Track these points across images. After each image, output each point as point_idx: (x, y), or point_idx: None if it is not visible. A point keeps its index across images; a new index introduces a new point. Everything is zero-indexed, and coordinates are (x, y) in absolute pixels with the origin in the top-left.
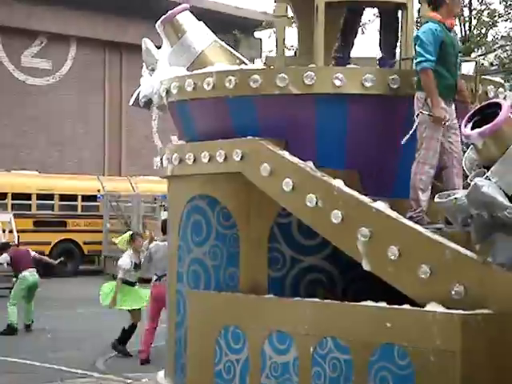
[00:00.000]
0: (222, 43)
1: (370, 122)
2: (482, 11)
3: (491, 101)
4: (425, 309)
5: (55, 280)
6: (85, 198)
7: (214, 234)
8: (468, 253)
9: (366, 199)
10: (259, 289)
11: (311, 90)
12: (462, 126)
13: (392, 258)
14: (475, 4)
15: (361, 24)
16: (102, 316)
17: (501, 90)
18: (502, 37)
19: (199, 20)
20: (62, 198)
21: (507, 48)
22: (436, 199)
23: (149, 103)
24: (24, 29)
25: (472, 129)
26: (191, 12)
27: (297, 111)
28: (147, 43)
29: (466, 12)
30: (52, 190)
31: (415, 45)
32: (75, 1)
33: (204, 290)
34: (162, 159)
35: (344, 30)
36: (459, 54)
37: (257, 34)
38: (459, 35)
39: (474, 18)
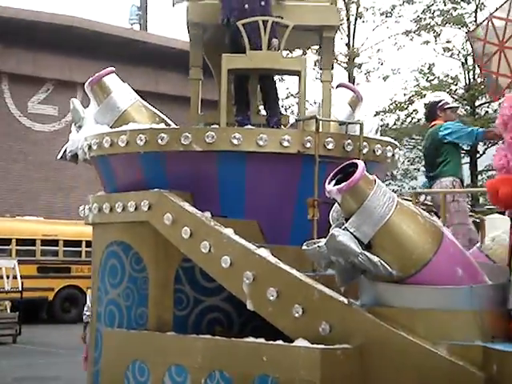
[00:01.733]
0: (145, 103)
1: (267, 177)
2: None
3: (351, 161)
4: (293, 344)
5: (61, 327)
6: (89, 243)
7: (127, 277)
8: (334, 294)
9: (251, 246)
10: (165, 327)
11: (212, 148)
12: (326, 182)
13: (271, 298)
14: None
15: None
16: None
17: (389, 148)
18: None
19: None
20: (67, 243)
21: None
22: (303, 247)
23: (75, 157)
24: (31, 76)
25: (335, 185)
26: (116, 74)
27: (200, 167)
28: (74, 103)
29: (470, 60)
30: (56, 236)
31: None
32: (81, 49)
33: (118, 329)
34: (84, 208)
35: (236, 94)
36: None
37: None
38: (463, 83)
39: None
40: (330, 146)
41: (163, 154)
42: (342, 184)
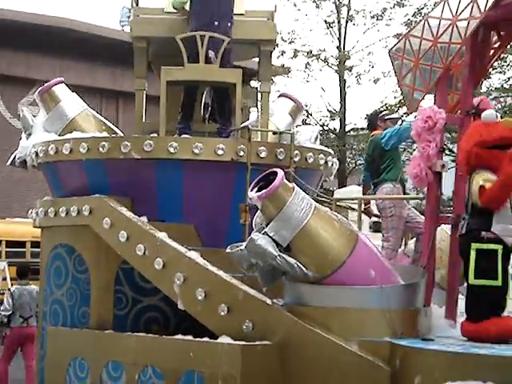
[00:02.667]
0: (93, 112)
1: (203, 183)
2: None
3: (272, 169)
4: (217, 341)
5: None
6: None
7: (71, 278)
8: (257, 294)
9: (182, 249)
10: (106, 325)
11: (150, 156)
12: (249, 189)
13: (199, 298)
14: None
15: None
16: None
17: (321, 156)
18: (495, 88)
19: None
20: None
21: (501, 100)
22: (227, 250)
23: (24, 163)
24: (21, 77)
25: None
26: (65, 84)
27: (139, 173)
28: (24, 111)
29: None
30: None
31: None
32: (72, 50)
33: (61, 327)
34: (32, 212)
35: (184, 103)
36: None
37: (253, 83)
38: None
39: None
40: (262, 155)
41: (104, 162)
42: (262, 191)
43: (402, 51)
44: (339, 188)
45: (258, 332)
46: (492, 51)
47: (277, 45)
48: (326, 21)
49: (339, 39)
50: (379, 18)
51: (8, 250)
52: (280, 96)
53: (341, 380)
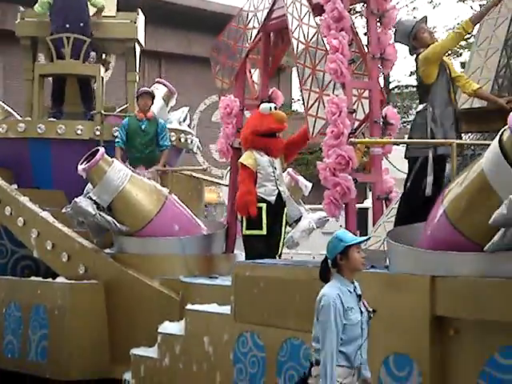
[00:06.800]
0: None
1: (68, 157)
2: None
3: (97, 147)
4: (54, 280)
5: None
6: None
7: None
8: (89, 245)
9: (37, 209)
10: None
11: (23, 135)
12: (79, 163)
13: (48, 248)
14: None
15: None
16: None
17: (182, 135)
18: None
19: None
20: None
21: None
22: (63, 210)
23: None
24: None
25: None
26: None
27: (17, 150)
28: None
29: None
30: None
31: None
32: None
33: None
34: None
35: (54, 92)
36: None
37: None
38: None
39: None
40: (117, 133)
41: None
42: (86, 164)
43: (216, 50)
44: None
45: (90, 274)
46: (279, 51)
47: None
48: None
49: None
50: None
51: None
52: (155, 83)
53: (147, 309)
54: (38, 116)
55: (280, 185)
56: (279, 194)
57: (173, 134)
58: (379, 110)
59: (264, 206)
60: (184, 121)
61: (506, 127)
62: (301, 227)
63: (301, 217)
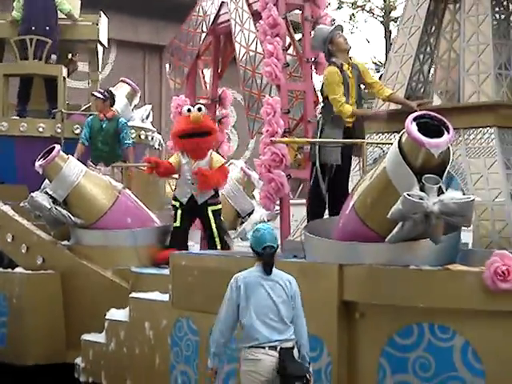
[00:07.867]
0: None
1: (30, 153)
2: None
3: (54, 145)
4: (13, 270)
5: None
6: None
7: None
8: (47, 237)
9: None
10: None
11: None
12: (37, 160)
13: (9, 240)
14: None
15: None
16: None
17: (142, 132)
18: None
19: None
20: None
21: None
22: (21, 204)
23: None
24: None
25: None
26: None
27: None
28: None
29: None
30: None
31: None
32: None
33: None
34: None
35: (20, 91)
36: None
37: None
38: None
39: None
40: (77, 131)
41: None
42: (43, 161)
43: (169, 51)
44: None
45: (47, 265)
46: (228, 53)
47: None
48: None
49: None
50: None
51: None
52: (120, 81)
53: (100, 298)
54: (2, 114)
55: (195, 189)
56: (192, 196)
57: (133, 131)
58: (313, 110)
59: (177, 204)
60: (147, 118)
61: (404, 130)
62: (253, 220)
63: (253, 210)
